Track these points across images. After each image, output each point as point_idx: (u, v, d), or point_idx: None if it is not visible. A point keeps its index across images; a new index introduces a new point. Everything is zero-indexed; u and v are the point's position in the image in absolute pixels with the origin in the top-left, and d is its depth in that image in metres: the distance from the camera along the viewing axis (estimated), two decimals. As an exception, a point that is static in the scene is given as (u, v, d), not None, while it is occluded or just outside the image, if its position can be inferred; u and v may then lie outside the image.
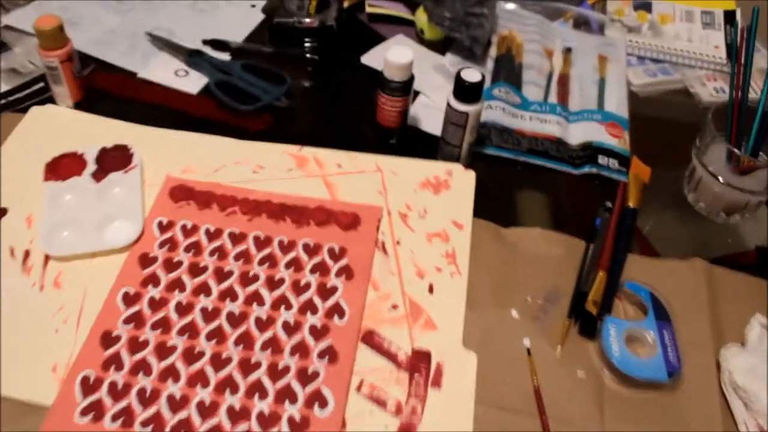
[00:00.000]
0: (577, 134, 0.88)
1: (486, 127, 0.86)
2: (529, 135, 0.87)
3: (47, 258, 0.71)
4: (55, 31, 0.79)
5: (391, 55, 0.79)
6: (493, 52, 0.97)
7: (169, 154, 0.82)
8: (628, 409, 0.64)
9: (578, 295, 0.71)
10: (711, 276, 0.74)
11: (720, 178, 0.79)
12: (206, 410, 0.61)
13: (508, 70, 0.94)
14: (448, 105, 0.78)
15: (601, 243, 0.75)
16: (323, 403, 0.62)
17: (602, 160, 0.85)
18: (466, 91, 0.76)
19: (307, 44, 0.99)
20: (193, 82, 0.91)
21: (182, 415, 0.61)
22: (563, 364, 0.67)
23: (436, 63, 0.96)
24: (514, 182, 0.84)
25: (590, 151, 0.86)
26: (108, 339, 0.65)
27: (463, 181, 0.80)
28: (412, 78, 0.80)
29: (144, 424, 0.60)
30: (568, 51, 1.00)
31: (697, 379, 0.66)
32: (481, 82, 0.76)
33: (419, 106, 0.90)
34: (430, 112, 0.89)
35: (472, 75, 0.76)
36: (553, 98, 0.93)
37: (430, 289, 0.71)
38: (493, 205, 0.80)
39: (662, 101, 0.99)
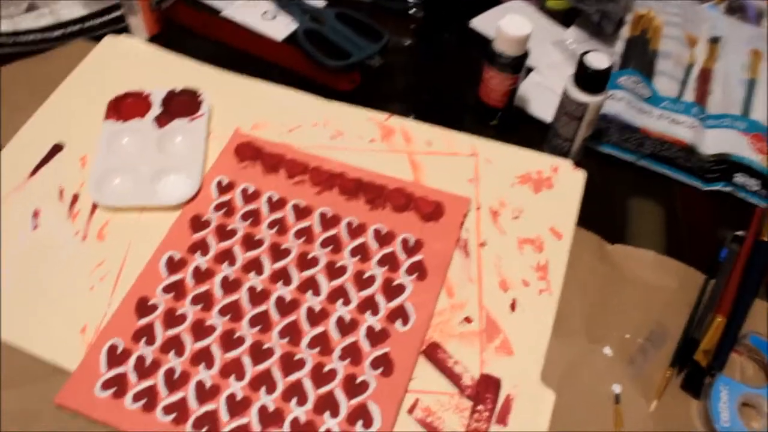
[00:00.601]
0: (712, 143, 0.74)
1: (605, 120, 0.74)
2: (655, 136, 0.74)
3: (95, 206, 0.65)
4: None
5: (506, 25, 0.67)
6: (625, 32, 0.83)
7: (241, 104, 0.74)
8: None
9: (687, 340, 0.59)
10: None
11: None
12: (236, 406, 0.54)
13: (640, 57, 0.80)
14: (565, 92, 0.66)
15: (724, 280, 0.63)
16: (368, 422, 0.54)
17: (739, 178, 0.72)
18: (588, 79, 0.64)
19: (410, -1, 0.88)
20: (279, 27, 0.82)
21: (209, 407, 0.54)
22: (657, 422, 0.56)
23: (556, 37, 0.83)
24: (628, 190, 0.71)
25: (726, 165, 0.72)
26: (144, 307, 0.59)
27: (569, 181, 0.69)
28: (526, 54, 0.68)
29: (167, 410, 0.54)
30: (714, 41, 0.85)
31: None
32: (609, 70, 0.64)
33: (530, 84, 0.78)
34: (541, 94, 0.77)
35: (598, 60, 0.64)
36: (689, 96, 0.79)
37: (513, 306, 0.61)
38: (600, 213, 0.68)
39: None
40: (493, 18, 0.85)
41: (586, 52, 0.64)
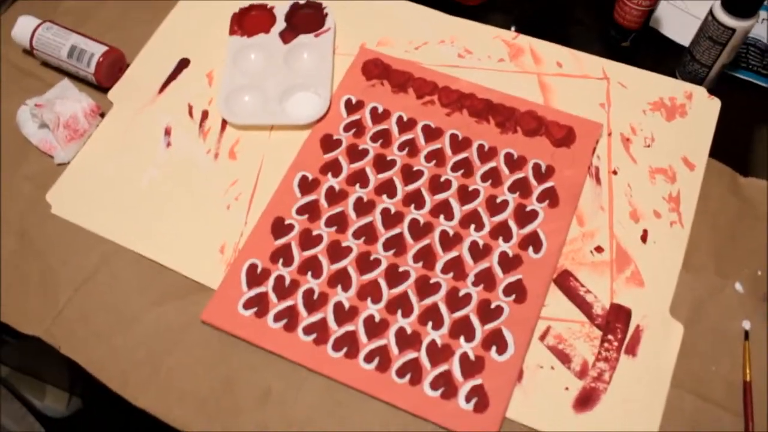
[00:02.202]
0: None
1: (745, 44, 0.70)
2: (797, 63, 0.70)
3: (224, 123, 0.66)
4: None
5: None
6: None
7: (365, 19, 0.72)
8: None
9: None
10: None
11: None
12: (374, 327, 0.56)
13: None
14: (711, 15, 0.62)
15: None
16: (502, 347, 0.55)
17: None
18: (739, 2, 0.60)
19: None
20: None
21: (348, 327, 0.56)
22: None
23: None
24: (763, 120, 0.68)
25: None
26: (280, 227, 0.60)
27: (704, 109, 0.66)
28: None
29: (307, 330, 0.56)
30: None
31: None
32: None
33: (665, 4, 0.74)
34: (677, 15, 0.73)
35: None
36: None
37: (644, 237, 0.60)
38: (734, 144, 0.66)
39: None
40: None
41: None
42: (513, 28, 0.71)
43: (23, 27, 0.69)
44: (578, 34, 0.72)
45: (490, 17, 0.72)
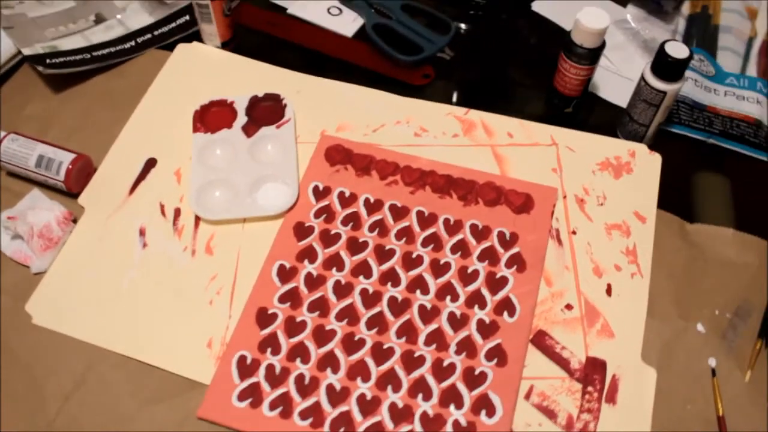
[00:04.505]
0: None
1: (676, 101, 0.76)
2: (723, 114, 0.76)
3: (198, 220, 0.68)
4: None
5: (584, 17, 0.68)
6: (685, 9, 0.85)
7: (322, 106, 0.75)
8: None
9: (773, 314, 0.63)
10: None
11: None
12: (367, 405, 0.58)
13: (702, 33, 0.82)
14: (643, 80, 0.68)
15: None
16: (491, 411, 0.57)
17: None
18: (668, 68, 0.66)
19: (472, -14, 0.89)
20: (347, 23, 0.83)
21: (342, 408, 0.57)
22: (752, 392, 0.60)
23: (616, 17, 0.84)
24: (699, 168, 0.74)
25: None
26: (264, 317, 0.62)
27: (647, 165, 0.71)
28: (604, 44, 0.70)
29: (303, 415, 0.57)
30: (771, 12, 0.87)
31: None
32: (688, 59, 0.65)
33: (600, 70, 0.80)
34: (610, 78, 0.79)
35: (678, 50, 0.66)
36: (752, 70, 0.81)
37: (608, 291, 0.64)
38: (675, 193, 0.71)
39: None
40: (554, 1, 0.86)
41: (666, 42, 0.66)
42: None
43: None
44: (523, 103, 0.78)
45: (439, 94, 0.77)
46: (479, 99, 0.76)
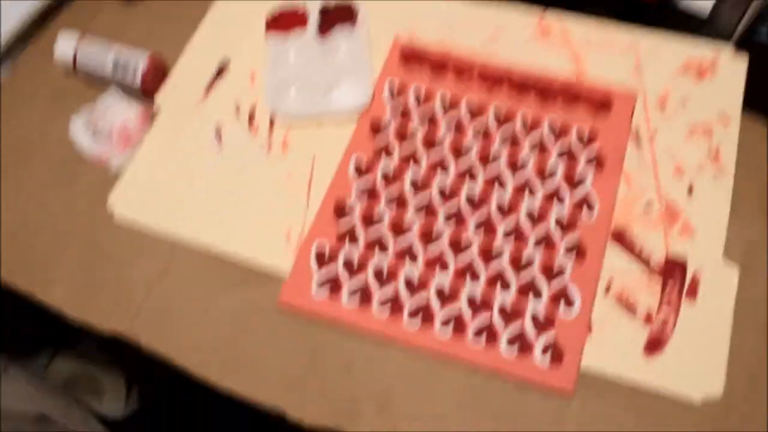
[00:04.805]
0: None
1: (765, 4, 0.72)
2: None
3: (272, 119, 0.68)
4: None
5: None
6: None
7: (395, 10, 0.74)
8: None
9: None
10: None
11: None
12: (446, 296, 0.58)
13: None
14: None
15: None
16: (569, 302, 0.57)
17: None
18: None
19: None
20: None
21: (421, 297, 0.58)
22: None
23: None
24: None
25: None
26: (342, 209, 0.62)
27: (732, 68, 0.69)
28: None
29: (382, 303, 0.58)
30: None
31: None
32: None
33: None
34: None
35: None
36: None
37: (690, 190, 0.63)
38: (761, 98, 0.68)
39: None
40: None
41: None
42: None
43: (65, 46, 0.71)
44: (606, 5, 0.75)
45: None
46: (559, 2, 0.74)
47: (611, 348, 0.56)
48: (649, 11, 0.74)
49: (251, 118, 0.68)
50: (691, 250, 0.60)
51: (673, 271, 0.59)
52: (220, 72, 0.71)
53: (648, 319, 0.57)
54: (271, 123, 0.68)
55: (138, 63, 0.70)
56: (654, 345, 0.56)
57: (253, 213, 0.63)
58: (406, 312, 0.57)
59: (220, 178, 0.66)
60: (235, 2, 0.76)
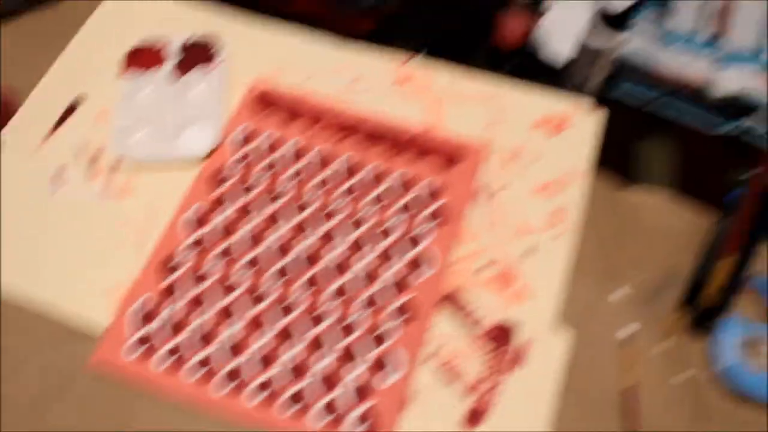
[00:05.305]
0: (728, 82, 0.74)
1: (622, 62, 0.73)
2: (671, 77, 0.73)
3: (116, 162, 0.66)
4: None
5: (527, -36, 0.65)
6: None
7: (258, 51, 0.73)
8: (731, 428, 0.56)
9: (697, 282, 0.61)
10: None
11: None
12: (264, 358, 0.57)
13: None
14: (583, 34, 0.65)
15: (732, 222, 0.63)
16: (392, 368, 0.56)
17: (751, 120, 0.71)
18: (608, 21, 0.63)
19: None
20: (292, -34, 0.80)
21: (238, 360, 0.57)
22: (665, 362, 0.59)
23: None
24: (641, 131, 0.71)
25: (738, 106, 0.72)
26: (168, 265, 0.61)
27: (585, 124, 0.69)
28: (544, -5, 0.67)
29: (195, 366, 0.56)
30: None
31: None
32: (628, 12, 0.63)
33: (550, 23, 0.77)
34: (556, 34, 0.75)
35: (618, 4, 0.63)
36: (706, 32, 0.77)
37: (530, 251, 0.62)
38: (613, 157, 0.68)
39: None
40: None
41: (602, -6, 0.63)
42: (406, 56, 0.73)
43: None
44: (468, 55, 0.75)
45: (380, 43, 0.74)
46: (420, 49, 0.74)
47: (431, 418, 0.56)
48: (512, 61, 0.73)
49: (95, 160, 0.67)
50: (525, 314, 0.60)
51: (503, 336, 0.59)
52: (70, 110, 0.70)
53: (472, 387, 0.57)
54: (115, 166, 0.66)
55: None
56: (475, 416, 0.56)
57: (79, 265, 0.62)
58: (218, 378, 0.56)
59: (52, 224, 0.64)
60: (94, 40, 0.75)
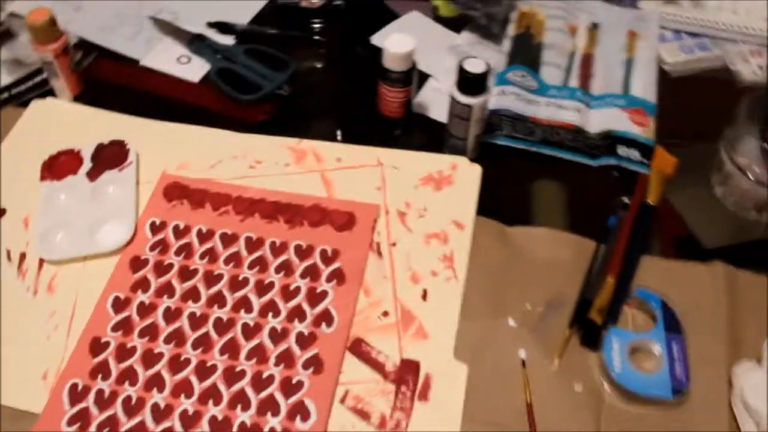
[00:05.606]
0: (597, 122, 0.83)
1: (498, 114, 0.81)
2: (545, 123, 0.82)
3: (41, 262, 0.72)
4: (47, 25, 0.78)
5: (390, 43, 0.74)
6: (511, 30, 0.91)
7: (165, 148, 0.80)
8: (628, 428, 0.61)
9: (582, 302, 0.66)
10: (734, 282, 0.69)
11: (750, 175, 0.72)
12: (189, 420, 0.61)
13: (526, 51, 0.88)
14: (452, 97, 0.74)
15: (613, 244, 0.70)
16: (305, 416, 0.61)
17: (622, 150, 0.80)
18: (469, 83, 0.72)
19: (314, 25, 0.95)
20: (195, 70, 0.89)
21: (165, 425, 0.61)
22: (560, 378, 0.63)
23: (450, 43, 0.91)
24: (526, 175, 0.80)
25: (610, 141, 0.80)
26: (97, 346, 0.66)
27: (467, 176, 0.76)
28: (413, 67, 0.76)
29: (127, 435, 0.61)
30: (594, 27, 0.93)
31: (707, 396, 0.62)
32: (486, 73, 0.71)
33: (429, 90, 0.86)
34: (441, 98, 0.84)
35: (475, 65, 0.71)
36: (574, 81, 0.87)
37: (424, 296, 0.68)
38: (503, 200, 0.76)
39: (698, 81, 0.91)
40: (391, 32, 0.91)
41: (463, 59, 0.72)
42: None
43: None
44: (359, 129, 0.83)
45: (277, 128, 0.82)
46: (314, 130, 0.82)
47: (346, 457, 0.60)
48: (396, 127, 0.82)
49: (21, 261, 0.72)
50: (424, 353, 0.65)
51: (406, 375, 0.63)
52: (-4, 220, 0.75)
53: (382, 423, 0.61)
54: (40, 265, 0.72)
55: None
56: (387, 449, 0.60)
57: (15, 355, 0.66)
58: (149, 441, 0.60)
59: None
60: (15, 153, 0.81)
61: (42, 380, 0.64)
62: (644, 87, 0.86)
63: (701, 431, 0.60)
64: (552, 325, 0.66)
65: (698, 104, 0.88)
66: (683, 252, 0.72)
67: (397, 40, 0.74)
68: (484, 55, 0.87)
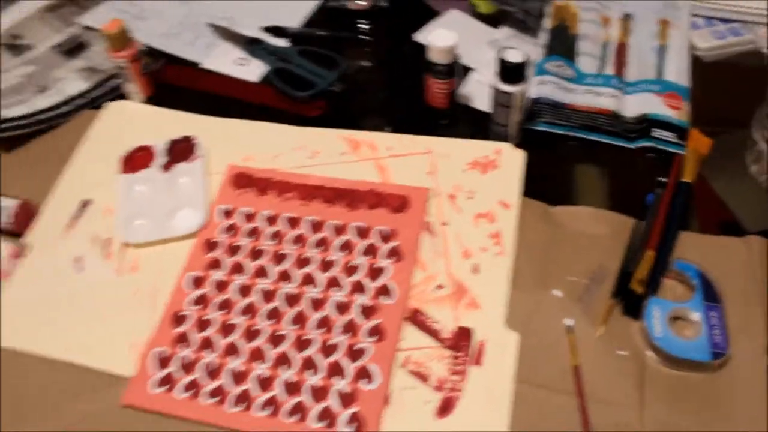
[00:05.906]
0: (632, 107, 0.87)
1: (538, 103, 0.86)
2: (582, 109, 0.87)
3: (125, 245, 0.79)
4: (120, 34, 0.86)
5: (434, 38, 0.80)
6: (547, 23, 0.96)
7: (230, 143, 0.87)
8: (669, 391, 0.65)
9: (624, 274, 0.71)
10: (769, 254, 0.72)
11: (781, 152, 0.76)
12: (264, 383, 0.67)
13: (563, 43, 0.93)
14: (494, 86, 0.79)
15: (652, 220, 0.75)
16: (370, 379, 0.67)
17: (657, 133, 0.84)
18: (509, 72, 0.77)
19: (361, 25, 1.01)
20: (253, 70, 0.96)
21: (243, 387, 0.67)
22: (604, 345, 0.68)
23: (489, 38, 0.97)
24: (566, 159, 0.85)
25: (646, 124, 0.85)
26: (178, 319, 0.72)
27: (511, 160, 0.82)
28: (456, 61, 0.81)
29: (209, 395, 0.67)
30: (626, 18, 0.98)
31: (745, 363, 0.66)
32: (524, 63, 0.76)
33: (472, 82, 0.91)
34: (483, 90, 0.90)
35: (514, 55, 0.77)
36: (609, 69, 0.91)
37: (475, 270, 0.74)
38: (544, 183, 0.81)
39: (731, 66, 0.95)
40: (433, 30, 0.97)
41: (503, 50, 0.77)
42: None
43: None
44: (407, 120, 0.89)
45: (330, 122, 0.89)
46: (366, 122, 0.88)
47: (408, 414, 0.65)
48: (443, 117, 0.87)
49: (107, 245, 0.79)
50: (477, 322, 0.70)
51: (461, 342, 0.69)
52: (81, 209, 0.82)
53: (440, 386, 0.66)
54: (124, 249, 0.79)
55: (9, 207, 0.80)
56: (444, 408, 0.65)
57: (105, 328, 0.73)
58: (229, 401, 0.66)
59: (79, 300, 0.75)
60: (95, 150, 0.88)
61: (131, 349, 0.71)
62: (677, 73, 0.90)
63: (739, 394, 0.64)
64: (595, 296, 0.71)
65: (732, 89, 0.92)
66: (726, 235, 0.76)
67: (441, 35, 0.80)
68: (522, 48, 0.93)
